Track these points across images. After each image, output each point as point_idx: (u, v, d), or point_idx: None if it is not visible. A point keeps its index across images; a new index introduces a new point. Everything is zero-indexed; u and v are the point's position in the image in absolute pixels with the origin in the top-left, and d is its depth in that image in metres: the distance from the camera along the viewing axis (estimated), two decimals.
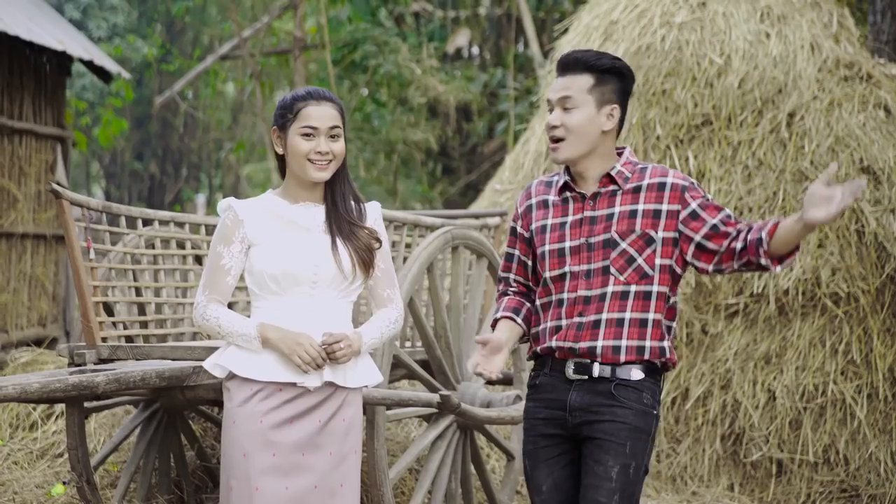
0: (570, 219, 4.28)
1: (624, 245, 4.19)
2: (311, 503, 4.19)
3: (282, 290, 4.21)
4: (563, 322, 4.26)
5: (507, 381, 6.92)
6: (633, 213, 4.21)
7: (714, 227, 4.12)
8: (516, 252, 4.44)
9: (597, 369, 4.20)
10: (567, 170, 4.32)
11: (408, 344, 6.30)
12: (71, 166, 28.38)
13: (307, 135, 4.20)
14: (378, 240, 4.37)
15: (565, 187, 4.32)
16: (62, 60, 12.23)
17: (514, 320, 4.38)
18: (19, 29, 10.86)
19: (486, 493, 6.62)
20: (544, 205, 4.37)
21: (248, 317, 4.30)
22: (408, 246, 6.36)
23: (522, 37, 16.55)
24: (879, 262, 7.87)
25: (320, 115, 4.24)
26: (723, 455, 7.76)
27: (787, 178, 8.11)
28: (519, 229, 4.42)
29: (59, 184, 11.90)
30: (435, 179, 17.32)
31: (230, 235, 4.22)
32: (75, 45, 12.13)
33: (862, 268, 7.86)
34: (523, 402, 6.06)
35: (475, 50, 18.44)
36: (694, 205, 4.16)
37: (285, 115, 4.24)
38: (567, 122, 4.22)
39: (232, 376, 4.22)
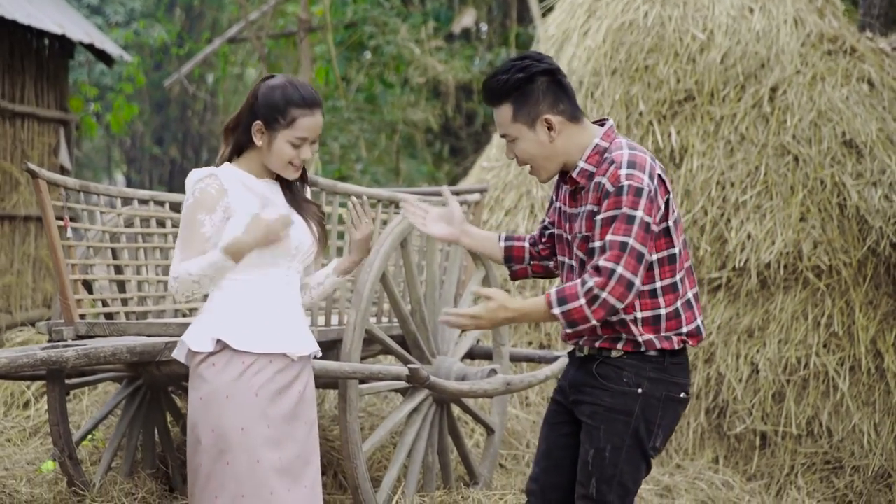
0: (562, 208, 4.39)
1: (574, 249, 4.25)
2: (295, 471, 4.24)
3: (263, 263, 4.23)
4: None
5: (487, 355, 6.98)
6: (583, 215, 4.18)
7: (591, 251, 4.10)
8: (546, 220, 4.52)
9: (585, 349, 4.28)
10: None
11: (385, 319, 6.37)
12: (92, 151, 28.56)
13: (296, 145, 4.22)
14: (320, 207, 4.46)
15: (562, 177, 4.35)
16: (64, 44, 12.32)
17: (499, 240, 4.53)
18: (18, 13, 10.95)
19: (466, 466, 6.68)
20: (560, 186, 4.41)
21: (215, 291, 4.29)
22: (384, 222, 6.42)
23: (528, 15, 16.54)
24: (861, 235, 7.88)
25: (313, 126, 4.24)
26: (707, 428, 7.81)
27: (769, 152, 8.13)
28: (554, 201, 4.45)
29: (62, 166, 12.04)
30: (441, 159, 17.35)
31: (213, 203, 4.17)
32: (76, 28, 12.21)
33: (844, 241, 7.88)
34: (498, 375, 6.14)
35: (483, 28, 18.43)
36: (601, 216, 4.06)
37: (276, 118, 4.20)
38: (518, 154, 4.23)
39: (217, 350, 4.17)
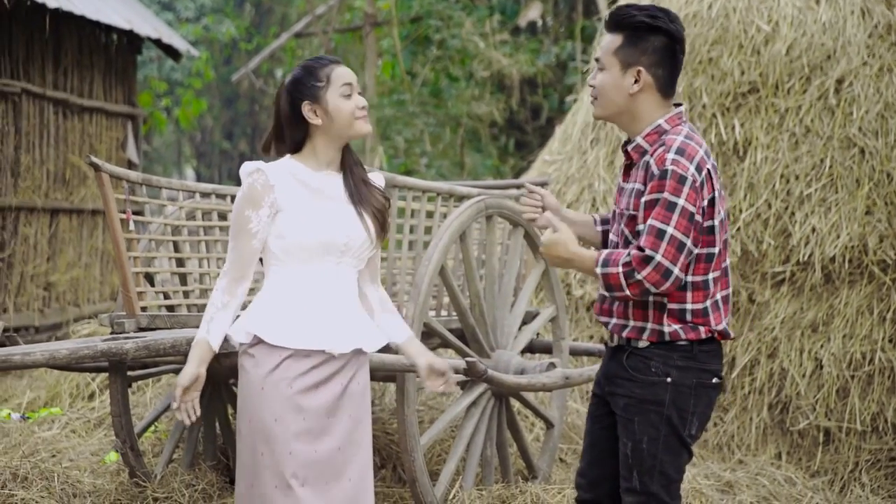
0: (619, 183, 4.39)
1: (621, 225, 4.26)
2: (335, 465, 4.25)
3: (310, 258, 4.23)
4: (599, 293, 4.39)
5: (546, 349, 6.97)
6: (632, 192, 4.21)
7: (637, 233, 4.12)
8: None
9: (615, 339, 4.32)
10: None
11: (444, 313, 6.37)
12: (162, 146, 28.83)
13: (347, 95, 4.25)
14: (387, 197, 4.45)
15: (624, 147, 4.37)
16: (133, 40, 12.46)
17: (595, 224, 4.58)
18: (87, 9, 11.10)
19: (525, 460, 6.68)
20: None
21: (265, 282, 4.32)
22: (444, 216, 6.42)
23: (595, 8, 16.47)
24: None
25: (348, 72, 4.31)
26: (770, 423, 7.73)
27: (834, 145, 8.03)
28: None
29: (130, 161, 12.17)
30: (506, 153, 17.33)
31: (259, 199, 4.19)
32: (144, 23, 12.36)
33: None
34: (557, 369, 6.13)
35: (549, 22, 18.38)
36: (645, 198, 4.10)
37: (314, 85, 4.24)
38: (596, 83, 4.26)
39: (256, 342, 4.21)
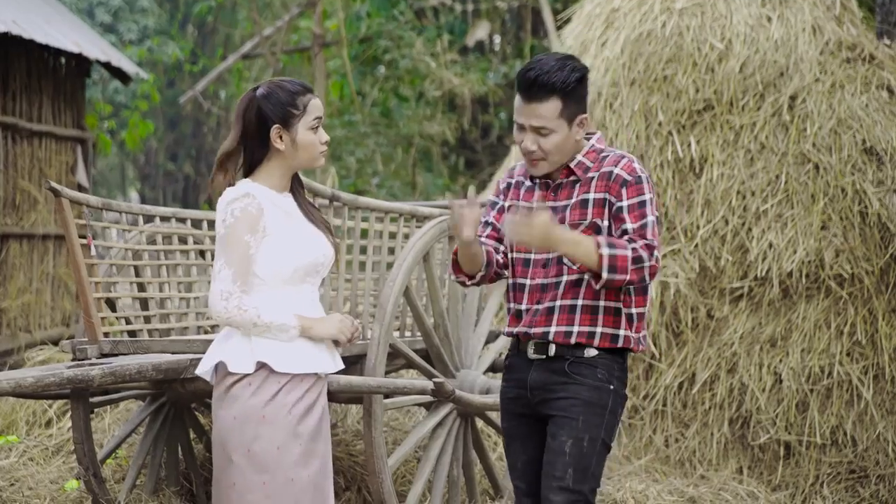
0: (535, 205, 4.34)
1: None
2: (319, 487, 4.26)
3: (299, 279, 4.25)
4: (523, 307, 4.40)
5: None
6: (585, 203, 4.30)
7: (622, 232, 4.21)
8: (491, 220, 4.52)
9: (553, 349, 4.33)
10: None
11: (408, 333, 6.36)
12: (106, 169, 28.62)
13: (315, 128, 4.27)
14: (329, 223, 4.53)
15: None
16: (81, 63, 12.36)
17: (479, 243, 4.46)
18: (36, 33, 10.99)
19: (490, 479, 6.68)
20: (519, 186, 4.48)
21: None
22: (406, 236, 6.42)
23: (542, 28, 16.55)
24: (883, 243, 7.85)
25: (320, 105, 4.33)
26: (731, 438, 7.78)
27: (789, 161, 8.11)
28: (500, 202, 4.51)
29: (79, 184, 12.06)
30: (457, 172, 17.36)
31: (256, 223, 4.17)
32: (92, 47, 12.25)
33: (865, 249, 7.85)
34: None
35: (497, 40, 18.45)
36: (623, 202, 4.23)
37: (289, 111, 4.23)
38: (544, 147, 4.26)
39: (256, 370, 4.19)
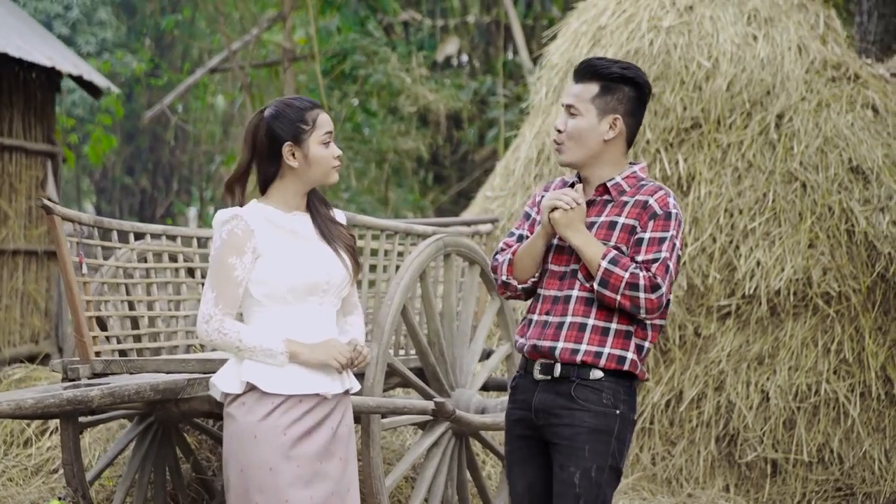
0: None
1: None
2: None
3: (295, 300, 4.22)
4: (535, 318, 4.39)
5: (501, 387, 6.93)
6: (613, 225, 4.30)
7: (633, 261, 4.22)
8: (524, 232, 4.51)
9: (558, 369, 4.30)
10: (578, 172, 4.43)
11: (402, 352, 6.31)
12: (62, 182, 28.39)
13: (326, 143, 4.26)
14: (352, 234, 4.44)
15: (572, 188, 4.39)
16: (51, 77, 12.25)
17: None
18: (8, 47, 10.88)
19: (483, 499, 6.63)
20: None
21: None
22: (400, 254, 6.37)
23: (512, 44, 16.57)
24: (870, 261, 7.89)
25: (330, 121, 4.32)
26: (718, 456, 7.78)
27: (776, 179, 8.14)
28: (532, 214, 4.52)
29: (50, 199, 11.92)
30: (426, 188, 17.35)
31: (242, 246, 4.16)
32: (64, 60, 12.15)
33: (853, 267, 7.89)
34: None
35: (464, 58, 18.47)
36: (646, 234, 4.24)
37: (300, 128, 4.23)
38: (568, 128, 4.31)
39: (249, 390, 4.18)
